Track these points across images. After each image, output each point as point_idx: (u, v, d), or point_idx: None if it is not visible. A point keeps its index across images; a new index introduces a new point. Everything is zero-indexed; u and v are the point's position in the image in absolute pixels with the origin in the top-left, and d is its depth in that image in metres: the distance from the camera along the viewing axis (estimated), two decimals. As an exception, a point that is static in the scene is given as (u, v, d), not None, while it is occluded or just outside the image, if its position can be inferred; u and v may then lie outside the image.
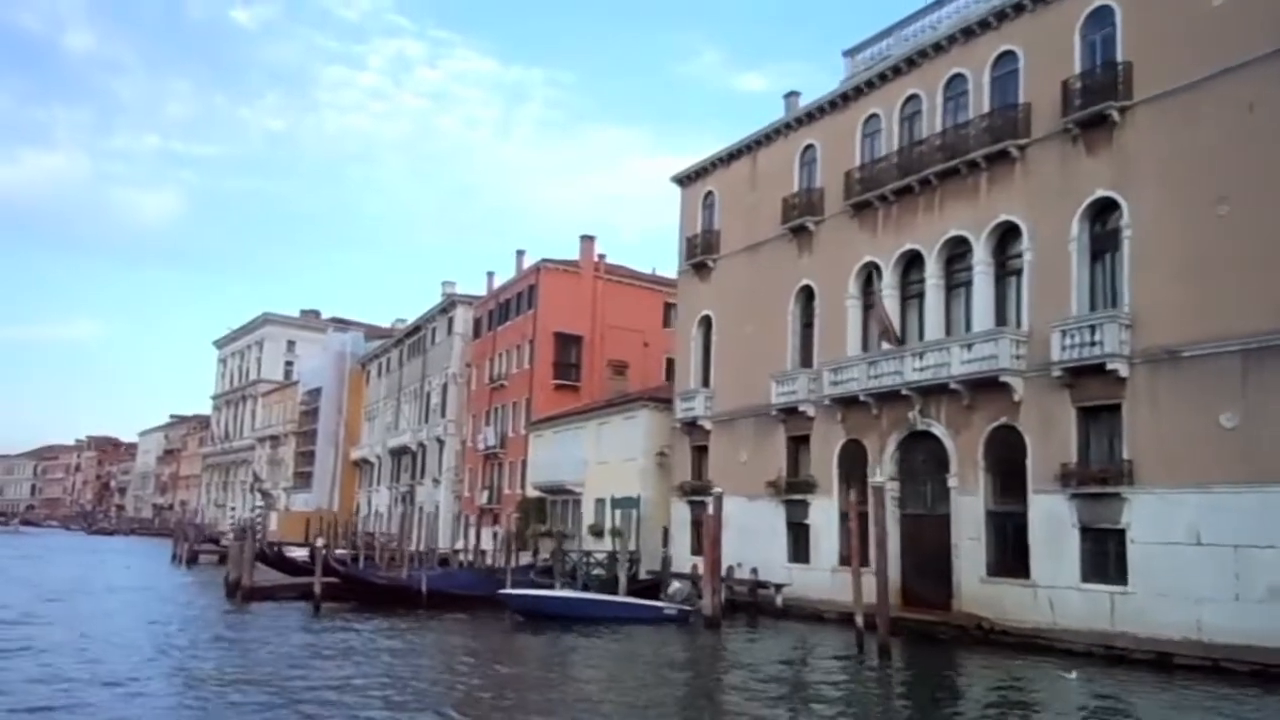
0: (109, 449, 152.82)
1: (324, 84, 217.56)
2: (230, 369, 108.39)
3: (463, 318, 56.93)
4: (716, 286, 33.33)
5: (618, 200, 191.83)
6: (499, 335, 50.95)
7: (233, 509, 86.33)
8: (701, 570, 30.33)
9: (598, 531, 37.70)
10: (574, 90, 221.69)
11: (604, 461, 38.56)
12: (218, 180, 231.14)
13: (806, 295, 29.65)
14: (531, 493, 43.60)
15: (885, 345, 25.51)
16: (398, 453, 63.98)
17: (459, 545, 44.95)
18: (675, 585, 25.92)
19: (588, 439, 40.11)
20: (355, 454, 73.33)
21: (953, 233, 24.87)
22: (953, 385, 23.50)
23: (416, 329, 63.51)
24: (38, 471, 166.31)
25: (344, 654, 18.26)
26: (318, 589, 24.51)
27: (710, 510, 24.65)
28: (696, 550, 32.50)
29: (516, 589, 24.64)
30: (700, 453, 33.35)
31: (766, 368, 29.98)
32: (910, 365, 24.67)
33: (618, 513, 34.93)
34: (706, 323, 33.86)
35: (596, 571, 33.31)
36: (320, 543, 25.32)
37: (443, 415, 57.19)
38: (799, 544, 28.53)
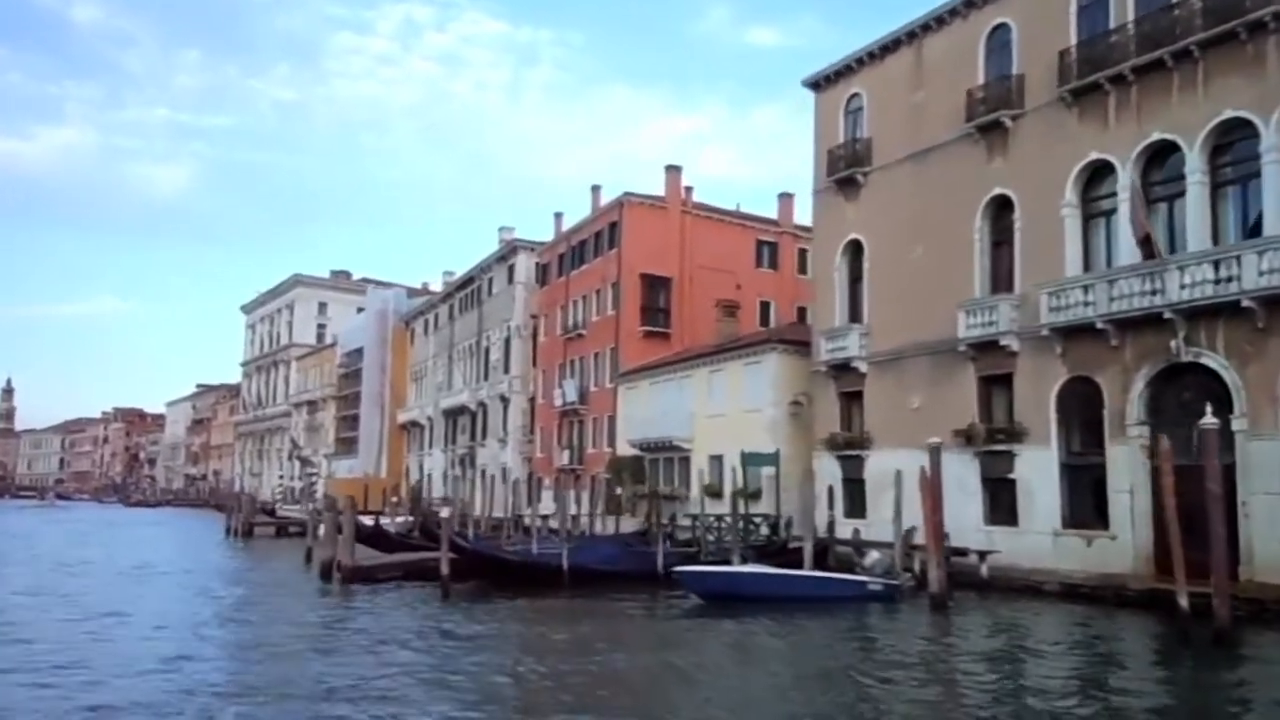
0: (136, 420, 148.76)
1: (333, 51, 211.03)
2: (260, 334, 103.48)
3: (525, 265, 51.70)
4: (869, 205, 28.04)
5: (635, 162, 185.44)
6: (572, 281, 45.75)
7: (280, 477, 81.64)
8: (866, 536, 25.61)
9: (714, 492, 32.84)
10: (584, 51, 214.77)
11: (718, 414, 33.56)
12: (230, 152, 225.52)
13: (998, 206, 24.34)
14: (624, 451, 38.74)
15: (1144, 258, 20.23)
16: (453, 413, 59.11)
17: (530, 510, 40.27)
18: (874, 555, 21.04)
19: (696, 389, 35.09)
20: (403, 416, 68.48)
21: (1227, 115, 19.51)
22: (1245, 303, 18.36)
23: (469, 281, 58.33)
24: (65, 445, 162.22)
25: (560, 666, 13.30)
26: (445, 569, 19.61)
27: (927, 465, 19.57)
28: (852, 512, 27.68)
29: (692, 566, 19.69)
30: (851, 400, 28.31)
31: (946, 297, 24.82)
32: (1175, 282, 19.48)
33: (748, 471, 30.08)
34: (854, 249, 28.61)
35: (728, 537, 28.63)
36: (446, 512, 20.27)
37: (506, 371, 52.20)
38: (999, 503, 23.50)
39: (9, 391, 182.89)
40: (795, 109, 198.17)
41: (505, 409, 51.80)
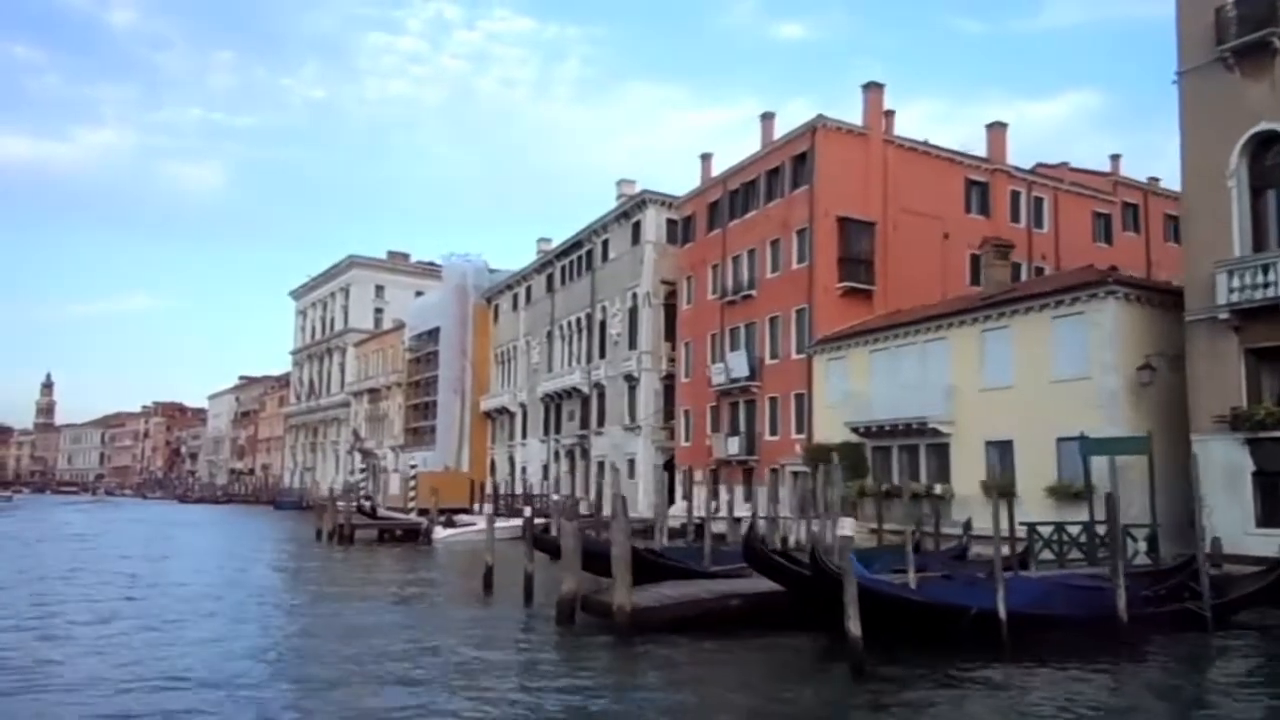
0: (176, 414, 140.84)
1: (363, 50, 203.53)
2: (311, 320, 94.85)
3: (655, 221, 42.74)
4: (1299, 77, 19.06)
5: (659, 155, 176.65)
6: (731, 232, 36.81)
7: (361, 471, 72.69)
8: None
9: (1003, 491, 23.94)
10: (610, 46, 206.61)
11: (1000, 386, 24.57)
12: (262, 151, 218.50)
13: None
14: (829, 436, 29.78)
15: None
16: (555, 398, 50.26)
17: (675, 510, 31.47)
18: None
19: (955, 354, 26.11)
20: (487, 403, 59.72)
21: None
22: None
23: (576, 245, 49.42)
24: (106, 440, 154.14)
25: None
26: (855, 627, 10.81)
27: None
28: (1268, 520, 18.73)
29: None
30: (1265, 359, 19.35)
31: None
32: None
33: (1088, 463, 21.06)
34: (1261, 144, 19.64)
35: (1074, 555, 20.03)
36: (849, 528, 11.17)
37: (631, 346, 43.30)
38: None
39: (49, 386, 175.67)
40: (827, 102, 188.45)
41: (632, 390, 42.93)
